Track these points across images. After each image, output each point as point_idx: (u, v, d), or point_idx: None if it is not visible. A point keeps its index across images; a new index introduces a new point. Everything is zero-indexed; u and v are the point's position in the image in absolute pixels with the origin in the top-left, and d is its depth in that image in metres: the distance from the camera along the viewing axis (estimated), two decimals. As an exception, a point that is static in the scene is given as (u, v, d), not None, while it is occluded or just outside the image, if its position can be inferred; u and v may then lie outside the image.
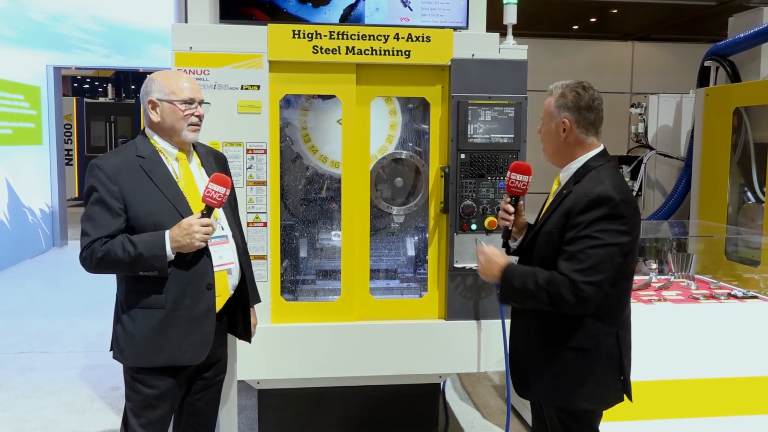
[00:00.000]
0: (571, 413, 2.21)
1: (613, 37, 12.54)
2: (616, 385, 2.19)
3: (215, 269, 2.31)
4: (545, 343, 2.19)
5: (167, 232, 2.19)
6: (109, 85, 21.22)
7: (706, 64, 6.19)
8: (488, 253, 2.25)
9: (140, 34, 8.58)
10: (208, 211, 2.23)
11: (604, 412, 2.32)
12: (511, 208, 2.34)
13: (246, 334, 2.54)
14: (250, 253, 2.97)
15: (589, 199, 2.05)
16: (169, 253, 2.18)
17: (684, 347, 3.40)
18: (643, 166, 6.72)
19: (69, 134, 14.65)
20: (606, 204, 2.04)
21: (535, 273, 2.11)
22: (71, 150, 14.82)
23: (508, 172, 2.34)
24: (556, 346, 2.16)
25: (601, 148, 2.22)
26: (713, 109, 5.80)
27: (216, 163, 2.49)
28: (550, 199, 2.27)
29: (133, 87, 22.92)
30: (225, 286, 2.38)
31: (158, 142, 2.32)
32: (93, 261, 2.18)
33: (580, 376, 2.14)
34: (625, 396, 2.24)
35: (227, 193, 2.24)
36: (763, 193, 5.30)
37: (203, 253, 2.27)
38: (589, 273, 2.01)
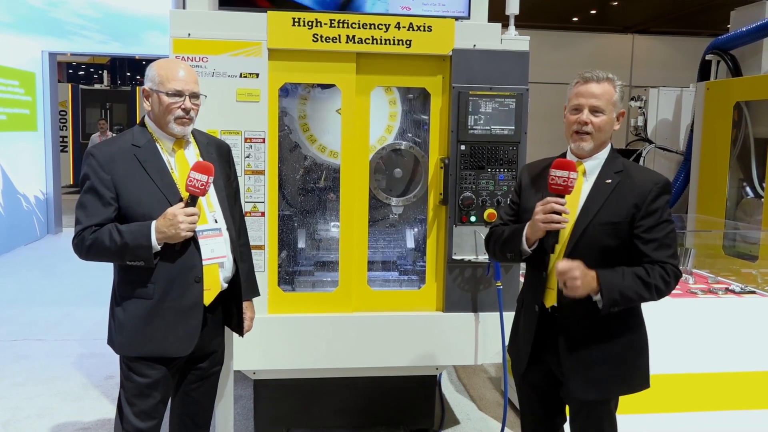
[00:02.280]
0: (616, 399, 2.28)
1: (613, 29, 12.51)
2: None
3: (205, 262, 2.27)
4: (609, 334, 2.19)
5: (153, 223, 2.16)
6: (105, 71, 21.08)
7: (707, 57, 6.18)
8: (577, 266, 2.07)
9: (138, 20, 8.49)
10: (192, 200, 2.19)
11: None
12: (568, 210, 2.13)
13: (239, 328, 2.51)
14: (247, 243, 2.96)
15: (659, 187, 2.14)
16: (155, 244, 2.15)
17: (681, 342, 3.39)
18: (642, 159, 6.71)
19: (64, 121, 14.56)
20: (669, 189, 2.18)
21: (632, 272, 2.10)
22: (66, 137, 14.74)
23: (564, 172, 2.09)
24: (620, 335, 2.20)
25: None
26: (714, 104, 5.79)
27: (217, 153, 2.44)
28: (581, 190, 2.18)
29: (128, 74, 22.79)
30: (216, 280, 2.34)
31: (155, 131, 2.30)
32: (83, 249, 2.20)
33: (638, 358, 2.23)
34: None
35: (210, 181, 2.19)
36: (762, 188, 5.29)
37: (192, 245, 2.24)
38: (676, 255, 2.15)
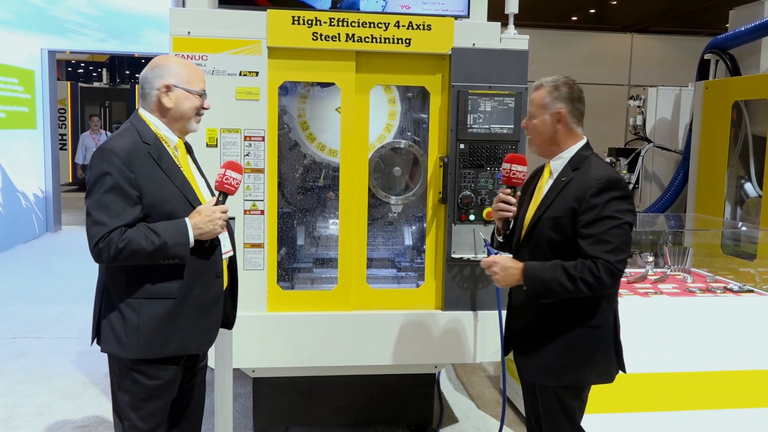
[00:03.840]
0: (571, 391, 2.28)
1: (612, 28, 12.51)
2: (614, 358, 2.30)
3: (223, 257, 2.31)
4: (556, 324, 2.25)
5: (187, 220, 2.15)
6: (104, 70, 21.05)
7: (706, 57, 6.18)
8: (500, 261, 2.26)
9: (137, 18, 8.48)
10: (223, 198, 2.23)
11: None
12: (513, 199, 2.37)
13: (226, 321, 2.46)
14: (247, 241, 2.97)
15: (601, 183, 2.16)
16: (192, 241, 2.15)
17: (680, 340, 3.40)
18: (640, 158, 6.72)
19: (63, 119, 14.55)
20: (616, 186, 2.17)
21: (561, 265, 2.16)
22: (65, 135, 14.72)
23: (507, 165, 2.38)
24: (569, 326, 2.24)
25: (585, 139, 2.34)
26: (712, 103, 5.79)
27: (189, 150, 2.44)
28: (544, 187, 2.33)
29: (127, 72, 22.73)
30: (225, 273, 2.38)
31: (159, 128, 2.24)
32: (111, 252, 2.06)
33: (589, 352, 2.24)
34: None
35: (241, 180, 2.26)
36: (761, 187, 5.30)
37: (216, 241, 2.26)
38: (618, 252, 2.13)
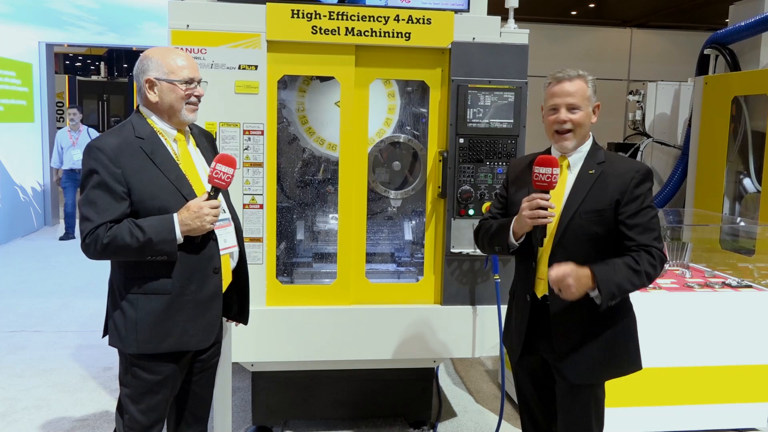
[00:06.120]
0: (602, 385, 2.34)
1: (611, 23, 12.48)
2: (639, 346, 2.35)
3: (221, 252, 2.28)
4: (600, 322, 2.25)
5: (175, 216, 2.13)
6: (102, 63, 20.98)
7: (706, 52, 6.17)
8: (570, 271, 2.11)
9: (135, 11, 8.46)
10: (215, 193, 2.19)
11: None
12: (554, 204, 2.20)
13: (241, 317, 2.51)
14: (246, 235, 2.97)
15: (641, 174, 2.22)
16: (179, 237, 2.12)
17: (678, 335, 3.41)
18: (639, 153, 6.71)
19: (61, 112, 14.51)
20: (650, 177, 2.25)
21: (622, 263, 2.16)
22: (63, 128, 14.68)
23: (547, 169, 2.16)
24: (610, 321, 2.26)
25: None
26: (712, 98, 5.79)
27: (208, 142, 2.44)
28: (566, 182, 2.27)
29: (126, 66, 22.65)
30: (228, 270, 2.35)
31: (156, 122, 2.24)
32: (97, 247, 2.08)
33: (626, 343, 2.31)
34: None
35: (234, 174, 2.20)
36: (760, 182, 5.30)
37: (210, 236, 2.23)
38: (659, 239, 2.22)
